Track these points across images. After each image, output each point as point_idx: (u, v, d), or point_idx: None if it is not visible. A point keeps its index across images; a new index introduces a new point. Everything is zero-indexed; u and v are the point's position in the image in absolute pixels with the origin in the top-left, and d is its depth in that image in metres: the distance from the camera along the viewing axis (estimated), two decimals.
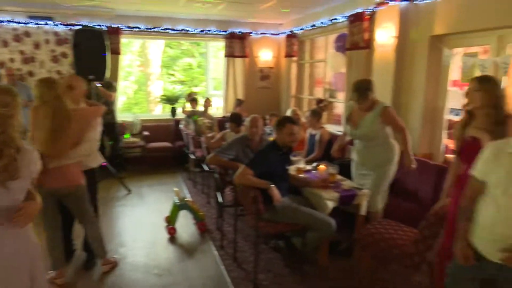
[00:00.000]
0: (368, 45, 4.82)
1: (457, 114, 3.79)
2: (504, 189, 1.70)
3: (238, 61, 7.39)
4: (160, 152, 6.87)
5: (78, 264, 3.35)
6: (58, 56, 6.52)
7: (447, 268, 1.97)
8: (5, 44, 6.23)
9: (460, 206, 1.91)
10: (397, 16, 4.28)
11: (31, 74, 6.40)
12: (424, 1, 4.03)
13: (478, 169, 1.82)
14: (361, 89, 3.31)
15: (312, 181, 3.45)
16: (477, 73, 3.50)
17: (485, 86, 2.10)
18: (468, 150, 2.19)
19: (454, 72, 4.03)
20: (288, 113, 5.46)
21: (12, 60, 6.28)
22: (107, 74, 5.08)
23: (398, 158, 3.44)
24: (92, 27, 5.82)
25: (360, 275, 3.10)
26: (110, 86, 5.76)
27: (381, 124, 3.32)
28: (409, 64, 4.30)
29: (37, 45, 6.38)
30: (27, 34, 6.31)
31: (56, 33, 6.43)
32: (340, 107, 6.04)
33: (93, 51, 4.94)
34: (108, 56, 5.05)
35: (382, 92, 4.56)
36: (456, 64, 4.01)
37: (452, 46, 3.94)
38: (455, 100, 3.96)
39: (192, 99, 6.79)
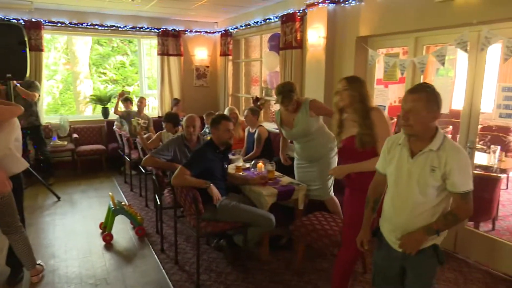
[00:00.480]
0: (300, 45, 4.99)
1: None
2: (394, 179, 1.84)
3: (173, 60, 7.24)
4: (92, 155, 6.49)
5: (1, 280, 3.05)
6: None
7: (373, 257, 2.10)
8: None
9: (367, 197, 2.07)
10: (325, 18, 4.48)
11: None
12: (350, 4, 4.27)
13: (379, 162, 1.97)
14: (285, 92, 3.33)
15: (251, 179, 3.51)
16: (398, 72, 3.80)
17: (352, 85, 2.38)
18: (347, 147, 2.41)
19: (380, 71, 4.33)
20: (226, 111, 5.47)
21: None
22: (28, 72, 4.68)
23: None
24: (8, 20, 5.32)
25: (297, 265, 3.22)
26: (32, 86, 5.31)
27: (314, 117, 3.39)
28: (339, 63, 4.53)
29: None
30: None
31: None
32: (277, 105, 6.16)
33: (10, 47, 4.51)
34: (28, 53, 4.65)
35: (316, 90, 4.76)
36: (381, 63, 4.30)
37: (376, 47, 4.22)
38: (380, 97, 4.25)
39: (126, 99, 6.51)
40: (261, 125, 4.83)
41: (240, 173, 3.77)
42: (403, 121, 1.73)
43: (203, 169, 3.15)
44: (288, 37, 5.07)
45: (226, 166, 3.42)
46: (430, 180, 1.72)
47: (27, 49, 4.71)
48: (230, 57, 7.12)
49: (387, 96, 4.22)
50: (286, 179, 3.63)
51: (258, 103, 6.18)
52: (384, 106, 4.17)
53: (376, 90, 4.32)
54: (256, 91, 6.82)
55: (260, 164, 3.76)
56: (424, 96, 1.69)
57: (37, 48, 6.08)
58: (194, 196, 2.92)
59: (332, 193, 3.56)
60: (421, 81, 3.49)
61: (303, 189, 3.47)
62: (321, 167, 3.47)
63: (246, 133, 4.96)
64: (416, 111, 1.69)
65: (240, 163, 3.94)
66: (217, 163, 3.26)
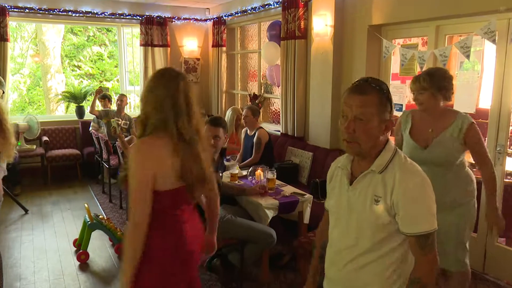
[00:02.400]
0: (304, 34, 5.01)
1: (399, 110, 4.08)
2: (335, 218, 1.60)
3: (158, 51, 7.24)
4: (65, 161, 6.47)
5: None
6: None
7: None
8: None
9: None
10: (333, 3, 4.50)
11: None
12: None
13: (326, 198, 1.73)
14: (438, 78, 2.50)
15: (248, 188, 3.50)
16: (416, 65, 3.82)
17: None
18: None
19: (395, 64, 4.35)
20: (228, 114, 5.44)
21: None
22: None
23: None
24: None
25: None
26: None
27: (462, 146, 2.50)
28: (348, 56, 4.54)
29: None
30: None
31: None
32: (277, 103, 6.18)
33: None
34: None
35: (321, 86, 4.78)
36: (397, 56, 4.32)
37: (391, 37, 4.24)
38: (397, 94, 4.27)
39: (104, 96, 6.50)
40: (261, 127, 4.83)
41: (236, 182, 3.76)
42: (346, 134, 1.44)
43: None
44: (290, 26, 5.08)
45: (220, 173, 3.41)
46: (372, 216, 1.43)
47: None
48: (224, 49, 7.13)
49: (404, 93, 4.23)
50: (288, 189, 3.63)
51: (257, 101, 6.19)
52: (402, 105, 4.18)
53: (391, 86, 4.34)
54: (254, 88, 6.83)
55: (259, 171, 3.76)
56: (376, 98, 1.40)
57: (1, 38, 6.07)
58: (198, 205, 2.90)
59: (467, 264, 2.61)
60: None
61: (309, 200, 3.46)
62: (456, 217, 2.53)
63: (243, 136, 4.96)
64: (366, 120, 1.40)
65: (236, 170, 3.93)
66: None
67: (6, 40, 6.14)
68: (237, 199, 3.57)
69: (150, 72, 7.23)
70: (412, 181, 1.39)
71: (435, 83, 2.46)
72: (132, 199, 1.71)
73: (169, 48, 7.31)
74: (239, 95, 7.31)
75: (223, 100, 7.26)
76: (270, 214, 3.26)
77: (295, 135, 5.23)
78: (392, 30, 4.23)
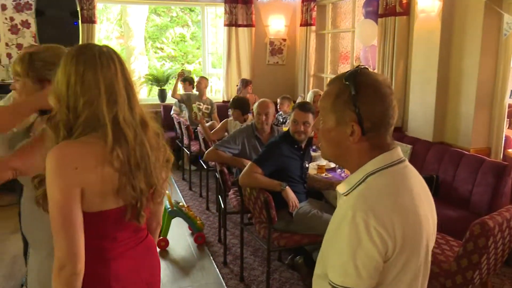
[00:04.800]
0: (406, 10, 4.79)
1: None
2: None
3: (242, 32, 7.37)
4: None
5: None
6: (18, 26, 6.54)
7: None
8: None
9: None
10: None
11: None
12: None
13: None
14: None
15: (337, 182, 3.42)
16: None
17: None
18: None
19: None
20: (309, 96, 5.45)
21: None
22: None
23: None
24: None
25: None
26: None
27: None
28: (459, 34, 4.26)
29: None
30: None
31: None
32: None
33: (61, 19, 4.97)
34: (80, 26, 5.09)
35: (425, 70, 4.55)
36: None
37: None
38: None
39: (186, 79, 6.80)
40: None
41: (323, 175, 3.74)
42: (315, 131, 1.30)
43: (277, 167, 3.18)
44: (390, 1, 4.89)
45: (306, 165, 3.42)
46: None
47: (79, 21, 5.15)
48: (313, 28, 7.06)
49: None
50: None
51: None
52: None
53: None
54: (345, 71, 6.69)
55: None
56: (335, 88, 1.20)
57: (89, 20, 6.59)
58: (266, 200, 2.96)
59: None
60: None
61: None
62: None
63: None
64: (321, 117, 1.24)
65: (324, 161, 3.91)
66: (294, 161, 3.27)
67: (93, 22, 6.65)
68: (324, 193, 3.55)
69: (234, 54, 7.41)
70: (339, 212, 1.17)
71: None
72: (53, 228, 1.29)
73: (253, 28, 7.41)
74: (328, 79, 7.17)
75: (310, 85, 7.21)
76: None
77: None
78: None
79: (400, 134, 4.92)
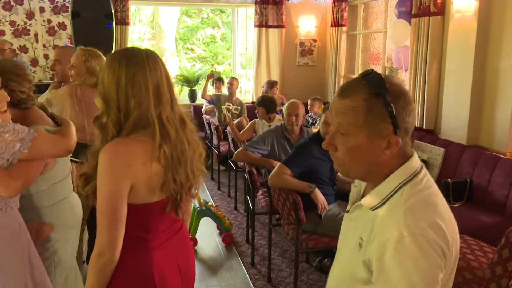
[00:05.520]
0: (441, 10, 4.70)
1: None
2: (340, 244, 1.35)
3: (273, 32, 7.38)
4: None
5: None
6: (55, 28, 6.75)
7: None
8: None
9: None
10: None
11: (24, 49, 6.67)
12: None
13: None
14: None
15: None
16: None
17: None
18: None
19: None
20: None
21: (1, 32, 6.56)
22: (113, 49, 5.22)
23: None
24: None
25: None
26: None
27: None
28: (497, 35, 4.15)
29: (30, 15, 6.64)
30: (19, 1, 6.56)
31: None
32: None
33: (96, 21, 5.10)
34: (114, 27, 5.21)
35: (460, 73, 4.45)
36: None
37: None
38: None
39: (217, 79, 6.85)
40: None
41: None
42: (329, 152, 1.17)
43: (306, 168, 3.17)
44: (424, 0, 4.81)
45: None
46: (351, 265, 1.14)
47: (114, 23, 5.28)
48: (344, 28, 7.01)
49: None
50: None
51: None
52: None
53: None
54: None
55: None
56: (361, 102, 1.06)
57: (123, 22, 6.73)
58: (294, 201, 2.96)
59: None
60: None
61: None
62: None
63: None
64: (346, 135, 1.09)
65: None
66: (324, 163, 3.25)
67: (127, 24, 6.79)
68: None
69: (264, 55, 7.43)
70: (386, 235, 1.02)
71: None
72: (99, 219, 1.39)
73: (284, 29, 7.41)
74: None
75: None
76: None
77: (424, 127, 4.96)
78: None
79: (433, 136, 4.82)
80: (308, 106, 6.03)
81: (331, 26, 7.29)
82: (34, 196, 2.00)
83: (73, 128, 2.04)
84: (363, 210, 1.15)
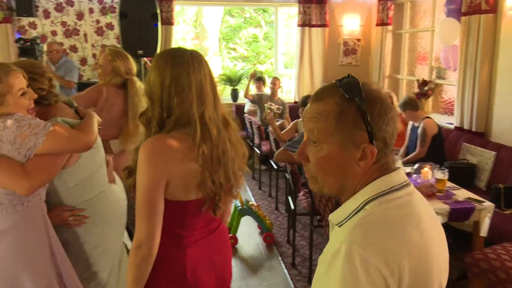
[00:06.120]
0: (493, 8, 4.54)
1: None
2: None
3: (316, 32, 7.33)
4: None
5: None
6: (103, 28, 6.97)
7: None
8: (47, 14, 6.80)
9: None
10: None
11: (74, 49, 6.93)
12: None
13: None
14: None
15: None
16: None
17: None
18: None
19: None
20: None
21: (54, 33, 6.84)
22: (158, 48, 5.34)
23: None
24: None
25: None
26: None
27: None
28: None
29: (80, 15, 6.88)
30: (70, 2, 6.82)
31: (100, 0, 6.88)
32: (452, 90, 5.74)
33: (142, 21, 5.22)
34: (160, 27, 5.31)
35: None
36: None
37: None
38: None
39: (259, 78, 6.88)
40: (428, 117, 4.57)
41: None
42: (303, 165, 1.08)
43: None
44: None
45: None
46: (318, 283, 1.04)
47: (159, 23, 5.38)
48: (390, 27, 6.87)
49: None
50: (462, 193, 3.35)
51: (426, 87, 5.84)
52: None
53: None
54: (423, 72, 6.45)
55: (427, 169, 3.54)
56: (333, 107, 0.98)
57: (168, 22, 6.86)
58: (337, 202, 2.92)
59: None
60: None
61: (488, 209, 3.15)
62: None
63: (409, 127, 4.75)
64: (317, 143, 1.00)
65: (399, 165, 3.78)
66: None
67: (171, 24, 6.93)
68: None
69: (307, 55, 7.40)
70: (330, 246, 0.96)
71: None
72: (138, 212, 1.44)
73: (327, 29, 7.34)
74: (405, 80, 6.97)
75: (385, 86, 7.01)
76: (438, 220, 3.07)
77: (473, 129, 4.78)
78: None
79: (483, 139, 4.65)
80: None
81: (376, 25, 7.15)
82: (64, 193, 2.01)
83: (95, 122, 2.02)
84: (334, 229, 1.07)
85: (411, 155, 4.45)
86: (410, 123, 4.72)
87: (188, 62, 1.46)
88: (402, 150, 4.73)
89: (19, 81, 1.77)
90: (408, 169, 3.80)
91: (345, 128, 0.96)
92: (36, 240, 1.82)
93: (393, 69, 7.07)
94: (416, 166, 3.70)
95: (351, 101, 0.96)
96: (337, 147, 0.97)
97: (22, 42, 6.14)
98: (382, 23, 6.95)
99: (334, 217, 1.04)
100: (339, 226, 1.02)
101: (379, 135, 0.97)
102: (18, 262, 1.77)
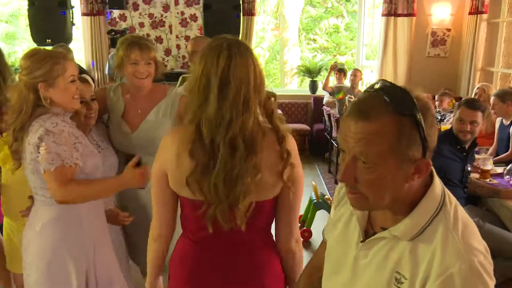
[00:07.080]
0: None
1: None
2: (332, 267, 1.19)
3: (402, 22, 7.03)
4: (295, 135, 7.03)
5: None
6: (187, 19, 7.21)
7: None
8: (136, 7, 7.16)
9: None
10: None
11: (159, 40, 7.25)
12: None
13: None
14: None
15: (504, 190, 3.17)
16: None
17: None
18: None
19: None
20: (474, 91, 5.04)
21: (141, 25, 7.20)
22: (239, 38, 5.43)
23: None
24: None
25: None
26: None
27: None
28: None
29: (166, 8, 7.17)
30: None
31: None
32: None
33: (225, 12, 5.34)
34: (242, 18, 5.40)
35: None
36: None
37: None
38: None
39: (340, 70, 6.76)
40: None
41: (488, 180, 3.42)
42: (346, 183, 0.99)
43: (435, 168, 2.98)
44: None
45: (469, 168, 3.15)
46: None
47: (241, 14, 5.47)
48: (485, 16, 6.44)
49: None
50: None
51: None
52: None
53: None
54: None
55: None
56: (390, 127, 0.90)
57: (250, 12, 6.91)
58: None
59: None
60: None
61: None
62: None
63: (497, 125, 4.44)
64: (371, 165, 0.92)
65: (489, 166, 3.56)
66: (455, 163, 3.04)
67: (253, 14, 6.98)
68: (487, 201, 3.25)
69: (390, 45, 7.14)
70: (455, 268, 0.88)
71: None
72: (152, 202, 1.52)
73: (414, 18, 7.02)
74: (499, 74, 6.49)
75: (476, 79, 6.59)
76: None
77: None
78: None
79: None
80: (436, 102, 5.65)
81: (469, 14, 6.73)
82: None
83: (109, 188, 1.98)
84: (387, 241, 1.00)
85: (503, 155, 4.16)
86: (498, 121, 4.40)
87: (216, 59, 1.34)
88: (492, 148, 4.44)
89: (72, 67, 1.85)
90: (499, 170, 3.58)
91: (403, 148, 0.91)
92: (79, 230, 1.88)
93: (486, 62, 6.62)
94: (509, 167, 3.46)
95: (404, 116, 0.89)
96: (393, 167, 0.92)
97: (113, 33, 6.54)
98: (476, 11, 6.53)
99: (402, 232, 0.97)
100: (412, 239, 0.96)
101: (431, 146, 0.93)
102: (64, 251, 1.85)
